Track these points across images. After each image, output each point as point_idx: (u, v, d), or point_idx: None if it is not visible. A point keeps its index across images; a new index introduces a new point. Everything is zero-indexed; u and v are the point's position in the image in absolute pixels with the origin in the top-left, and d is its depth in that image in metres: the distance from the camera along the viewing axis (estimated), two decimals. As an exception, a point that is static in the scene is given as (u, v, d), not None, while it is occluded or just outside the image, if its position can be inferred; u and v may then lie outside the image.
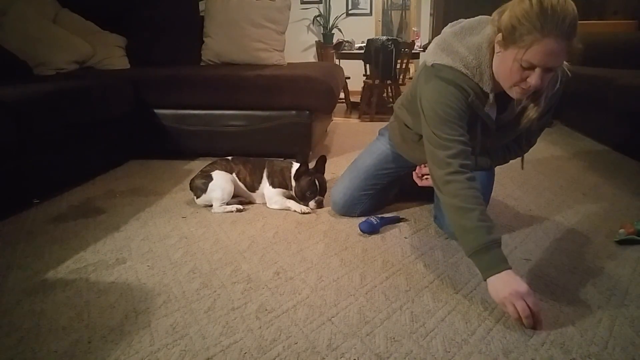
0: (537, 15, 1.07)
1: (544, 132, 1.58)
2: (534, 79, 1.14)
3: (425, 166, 1.64)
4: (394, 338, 1.08)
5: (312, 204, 1.90)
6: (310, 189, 1.89)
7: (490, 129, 1.38)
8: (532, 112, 1.31)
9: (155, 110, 2.68)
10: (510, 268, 1.12)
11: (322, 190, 1.92)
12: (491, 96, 1.29)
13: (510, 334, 1.08)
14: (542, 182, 2.21)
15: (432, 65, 1.31)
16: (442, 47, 1.31)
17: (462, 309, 1.18)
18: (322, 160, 1.97)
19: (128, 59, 3.22)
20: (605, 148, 2.85)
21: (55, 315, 1.19)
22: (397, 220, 1.76)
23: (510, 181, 2.22)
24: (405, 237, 1.63)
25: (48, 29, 2.96)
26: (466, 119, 1.29)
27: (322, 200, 1.92)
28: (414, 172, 1.69)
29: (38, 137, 2.00)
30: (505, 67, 1.19)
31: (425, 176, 1.65)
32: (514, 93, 1.23)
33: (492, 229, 1.16)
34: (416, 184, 1.93)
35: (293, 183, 1.94)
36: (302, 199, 1.93)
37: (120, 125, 2.61)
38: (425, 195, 1.88)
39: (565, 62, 1.26)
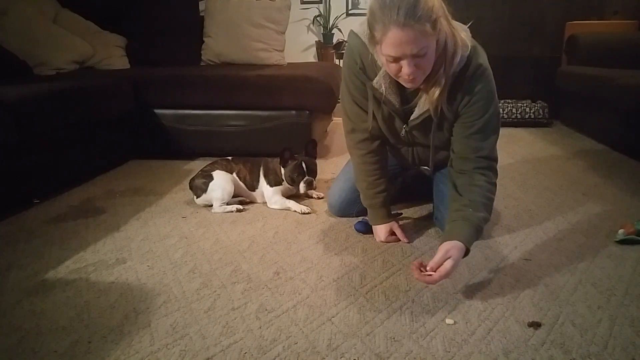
0: (378, 10, 1.10)
1: (544, 132, 1.57)
2: (405, 68, 1.15)
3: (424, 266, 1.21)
4: (394, 338, 1.08)
5: (302, 186, 1.90)
6: (297, 171, 1.90)
7: (399, 115, 1.40)
8: (434, 93, 1.26)
9: (155, 110, 2.68)
10: (380, 223, 1.58)
11: (310, 172, 1.92)
12: (384, 69, 1.29)
13: (510, 334, 1.08)
14: (542, 182, 2.21)
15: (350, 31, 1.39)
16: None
17: (462, 309, 1.18)
18: (311, 144, 1.99)
19: (128, 59, 3.22)
20: (605, 148, 2.85)
21: (55, 315, 1.19)
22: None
23: (510, 181, 2.22)
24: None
25: (48, 29, 2.96)
26: (362, 93, 1.41)
27: (312, 181, 1.92)
28: (412, 264, 1.22)
29: (38, 137, 2.00)
30: (384, 63, 1.22)
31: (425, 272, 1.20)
32: (402, 83, 1.26)
33: (376, 195, 1.56)
34: (416, 183, 1.94)
35: (282, 171, 1.94)
36: (291, 183, 1.93)
37: (120, 125, 2.61)
38: (426, 195, 1.88)
39: (462, 33, 1.22)
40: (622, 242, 1.52)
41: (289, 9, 3.18)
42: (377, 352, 1.03)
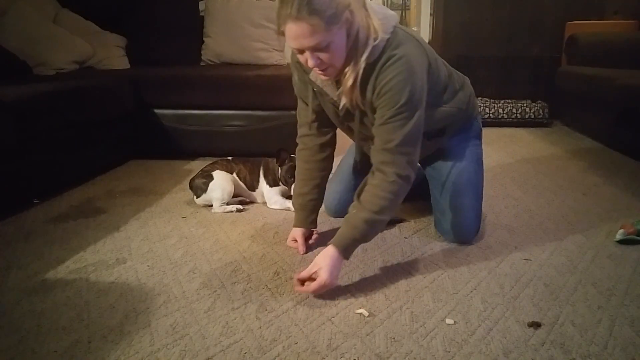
0: (278, 3, 1.12)
1: (544, 132, 1.57)
2: (309, 60, 1.17)
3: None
4: (394, 338, 1.08)
5: (293, 188, 1.91)
6: (290, 173, 1.91)
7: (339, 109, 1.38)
8: (347, 84, 1.24)
9: (155, 110, 2.68)
10: (294, 226, 1.55)
11: None
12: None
13: (510, 334, 1.08)
14: (542, 182, 2.21)
15: None
16: None
17: (462, 309, 1.18)
18: None
19: (128, 59, 3.22)
20: (605, 148, 2.85)
21: (55, 315, 1.19)
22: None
23: (510, 181, 2.22)
24: (405, 237, 1.63)
25: (48, 29, 2.95)
26: (306, 86, 1.41)
27: None
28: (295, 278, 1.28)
29: (38, 137, 1.99)
30: None
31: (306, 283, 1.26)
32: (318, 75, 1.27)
33: (298, 196, 1.56)
34: (416, 183, 1.93)
35: (279, 171, 1.96)
36: (285, 184, 1.94)
37: (120, 125, 2.60)
38: (426, 195, 1.87)
39: (376, 22, 1.19)
40: (622, 242, 1.52)
41: (289, 9, 3.18)
42: (377, 352, 1.03)
